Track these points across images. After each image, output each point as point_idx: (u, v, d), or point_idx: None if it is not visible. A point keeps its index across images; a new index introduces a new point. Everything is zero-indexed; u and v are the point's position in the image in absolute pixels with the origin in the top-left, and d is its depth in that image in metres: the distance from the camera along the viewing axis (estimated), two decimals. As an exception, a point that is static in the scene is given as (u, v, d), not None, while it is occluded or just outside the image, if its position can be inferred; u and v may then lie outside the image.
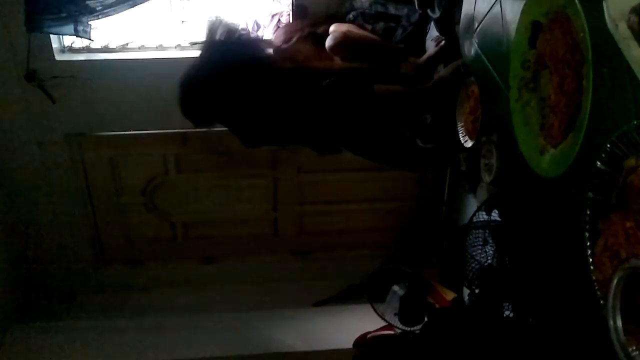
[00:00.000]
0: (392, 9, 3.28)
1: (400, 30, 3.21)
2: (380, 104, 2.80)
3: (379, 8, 3.29)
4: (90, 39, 3.35)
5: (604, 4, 1.14)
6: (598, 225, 1.22)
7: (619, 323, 1.12)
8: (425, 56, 3.03)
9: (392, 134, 2.93)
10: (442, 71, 2.87)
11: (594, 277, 1.22)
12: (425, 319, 3.13)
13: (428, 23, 3.07)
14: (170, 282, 4.32)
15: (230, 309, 4.11)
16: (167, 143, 3.89)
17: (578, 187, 1.29)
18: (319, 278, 4.28)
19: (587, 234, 1.25)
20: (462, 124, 2.50)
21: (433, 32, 3.02)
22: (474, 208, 2.29)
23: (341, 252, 4.38)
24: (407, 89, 2.88)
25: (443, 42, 2.92)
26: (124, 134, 3.86)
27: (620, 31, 1.10)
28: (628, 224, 1.15)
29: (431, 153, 3.05)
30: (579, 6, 1.25)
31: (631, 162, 1.15)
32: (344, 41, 3.02)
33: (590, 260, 1.23)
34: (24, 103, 3.66)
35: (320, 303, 4.12)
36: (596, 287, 1.21)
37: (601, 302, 1.19)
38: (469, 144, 2.44)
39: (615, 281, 1.12)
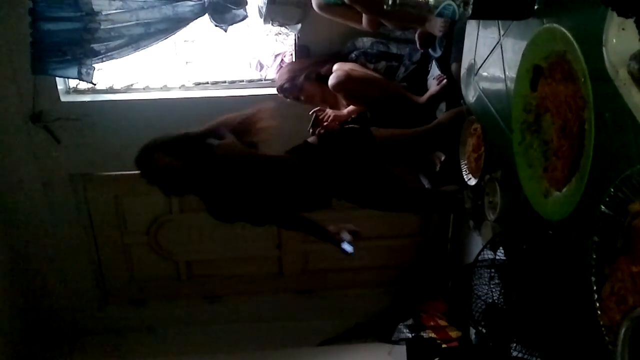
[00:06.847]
0: (394, 48, 3.31)
1: (402, 69, 3.23)
2: (380, 150, 2.78)
3: (381, 47, 3.33)
4: (92, 83, 3.38)
5: (604, 50, 1.14)
6: (604, 270, 1.21)
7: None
8: (427, 94, 3.05)
9: (394, 179, 2.89)
10: (441, 116, 2.86)
11: (601, 322, 1.20)
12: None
13: (430, 62, 3.10)
14: (173, 322, 4.30)
15: (234, 348, 4.08)
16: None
17: (583, 230, 1.28)
18: (324, 316, 4.25)
19: (593, 278, 1.23)
20: (466, 161, 2.50)
21: (435, 70, 3.05)
22: (479, 244, 2.27)
23: (346, 290, 4.36)
24: (404, 134, 2.86)
25: (445, 81, 2.94)
26: (128, 174, 3.85)
27: (621, 77, 1.11)
28: (634, 269, 1.13)
29: (438, 195, 3.01)
30: (579, 51, 1.26)
31: (635, 206, 1.14)
32: (347, 79, 3.04)
33: (597, 304, 1.22)
34: (29, 143, 3.70)
35: (325, 342, 4.08)
36: (604, 332, 1.20)
37: (609, 347, 1.18)
38: (472, 181, 2.43)
39: (622, 331, 1.10)
